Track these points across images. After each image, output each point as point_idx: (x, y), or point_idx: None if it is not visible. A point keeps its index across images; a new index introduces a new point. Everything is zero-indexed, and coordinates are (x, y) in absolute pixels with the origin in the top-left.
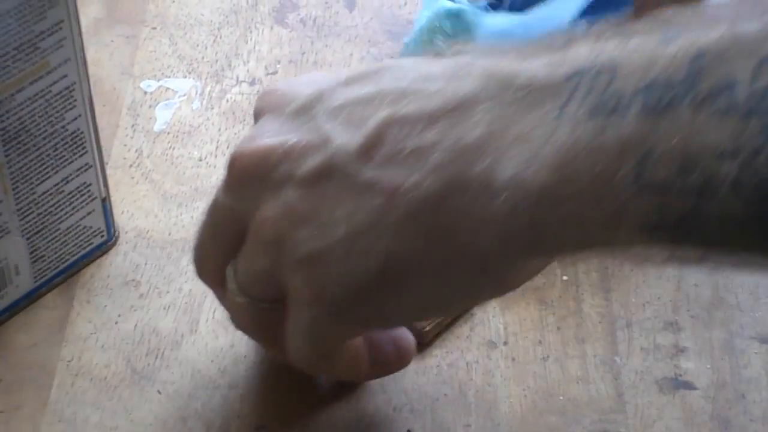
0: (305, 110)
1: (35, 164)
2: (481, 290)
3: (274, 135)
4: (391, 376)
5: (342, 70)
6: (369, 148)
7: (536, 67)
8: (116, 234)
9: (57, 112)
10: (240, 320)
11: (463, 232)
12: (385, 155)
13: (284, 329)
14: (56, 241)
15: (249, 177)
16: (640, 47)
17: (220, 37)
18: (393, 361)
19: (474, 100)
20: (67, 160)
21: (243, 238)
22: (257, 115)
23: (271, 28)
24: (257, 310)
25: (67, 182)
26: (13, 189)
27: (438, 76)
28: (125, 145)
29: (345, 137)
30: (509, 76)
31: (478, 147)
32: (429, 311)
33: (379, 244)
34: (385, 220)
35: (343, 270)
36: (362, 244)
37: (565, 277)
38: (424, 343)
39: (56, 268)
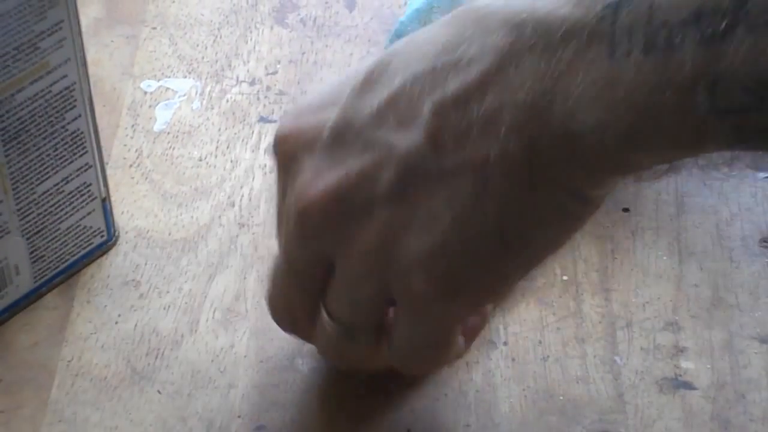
0: (342, 134)
1: (35, 164)
2: (578, 225)
3: (328, 172)
4: (391, 376)
5: (336, 80)
6: (436, 139)
7: (563, 7)
8: (116, 234)
9: (57, 112)
10: (339, 352)
11: (558, 179)
12: (456, 138)
13: (395, 340)
14: (56, 241)
15: (328, 222)
16: None
17: (220, 37)
18: (462, 351)
19: (514, 55)
20: (67, 160)
21: (327, 279)
22: (286, 166)
23: (271, 28)
24: (357, 338)
25: (67, 182)
26: (13, 189)
27: (457, 41)
28: (125, 145)
29: (407, 139)
30: (540, 22)
31: (545, 100)
32: (541, 259)
33: (489, 214)
34: (485, 192)
35: (464, 251)
36: (473, 222)
37: (565, 277)
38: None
39: (56, 268)
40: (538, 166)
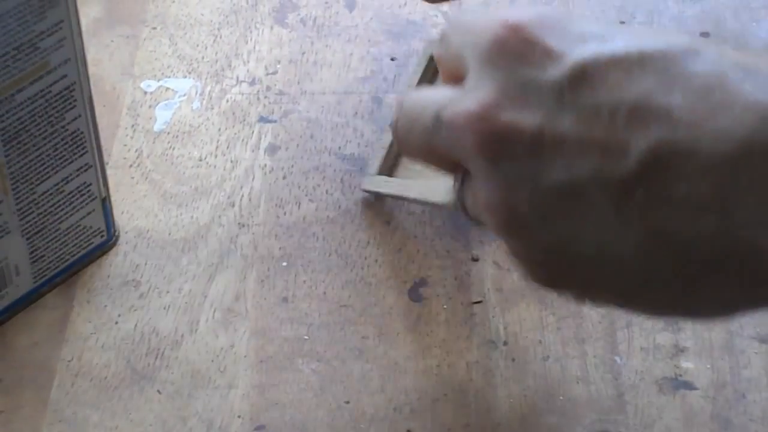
0: (570, 91)
1: (35, 164)
2: None
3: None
4: (391, 376)
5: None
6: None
7: None
8: (116, 234)
9: (57, 112)
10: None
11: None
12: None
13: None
14: (56, 241)
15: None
16: None
17: (220, 37)
18: None
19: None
20: (67, 160)
21: None
22: (456, 44)
23: (271, 28)
24: None
25: (67, 182)
26: (13, 189)
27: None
28: (125, 145)
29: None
30: None
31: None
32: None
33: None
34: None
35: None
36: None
37: None
38: None
39: (56, 268)
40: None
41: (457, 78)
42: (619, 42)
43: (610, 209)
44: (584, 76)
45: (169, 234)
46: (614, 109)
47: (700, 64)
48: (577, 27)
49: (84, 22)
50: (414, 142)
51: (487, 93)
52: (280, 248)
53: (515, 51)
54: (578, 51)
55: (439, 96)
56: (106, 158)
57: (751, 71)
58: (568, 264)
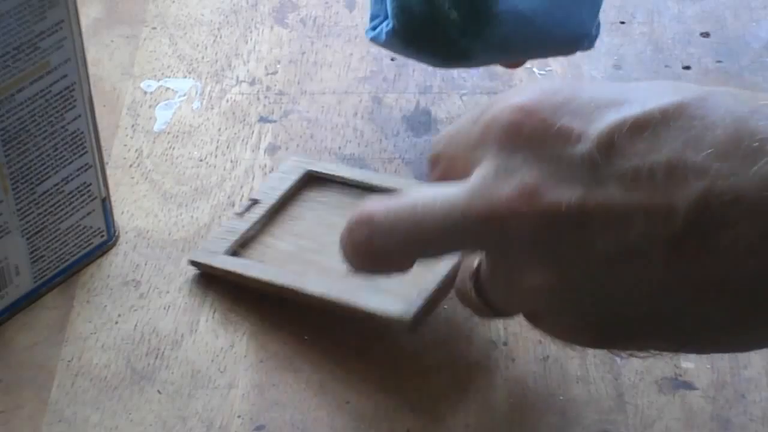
0: (599, 161)
1: (35, 164)
2: None
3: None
4: (391, 376)
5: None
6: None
7: None
8: (116, 234)
9: (57, 112)
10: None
11: None
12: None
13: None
14: (56, 241)
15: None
16: None
17: (220, 37)
18: None
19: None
20: (67, 160)
21: None
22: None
23: (271, 28)
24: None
25: (67, 182)
26: (13, 189)
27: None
28: (125, 145)
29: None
30: None
31: None
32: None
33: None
34: None
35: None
36: None
37: None
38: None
39: (56, 268)
40: None
41: (455, 176)
42: (636, 105)
43: (659, 266)
44: (612, 145)
45: (169, 234)
46: (651, 171)
47: (719, 112)
48: (585, 97)
49: (84, 22)
50: (435, 237)
51: (521, 176)
52: None
53: (534, 133)
54: (599, 124)
55: (452, 193)
56: (106, 158)
57: (766, 112)
58: (620, 324)
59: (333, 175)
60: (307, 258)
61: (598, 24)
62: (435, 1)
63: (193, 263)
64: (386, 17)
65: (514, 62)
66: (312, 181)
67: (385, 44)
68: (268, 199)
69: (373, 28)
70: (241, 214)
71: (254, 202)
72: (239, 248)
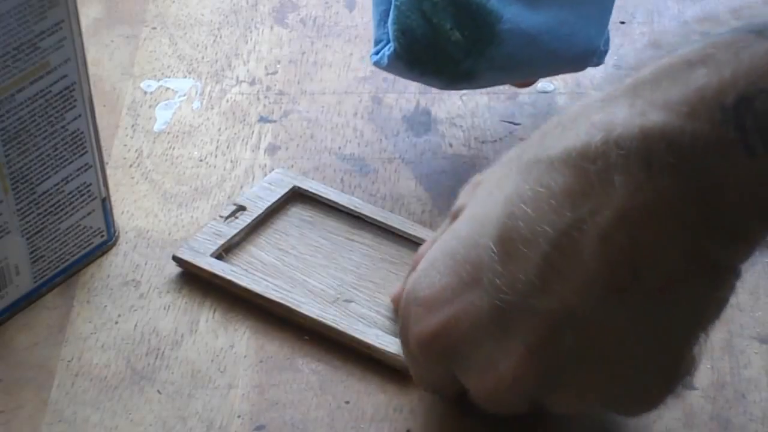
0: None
1: (35, 164)
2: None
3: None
4: (391, 376)
5: (438, 256)
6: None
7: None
8: (116, 234)
9: (57, 112)
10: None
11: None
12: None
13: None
14: (56, 241)
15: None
16: None
17: (220, 37)
18: None
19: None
20: (67, 160)
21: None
22: (447, 356)
23: (271, 28)
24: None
25: (67, 182)
26: (13, 189)
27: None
28: (125, 145)
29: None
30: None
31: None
32: None
33: None
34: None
35: None
36: None
37: None
38: None
39: (56, 268)
40: None
41: None
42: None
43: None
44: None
45: (169, 234)
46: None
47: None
48: (430, 274)
49: (84, 22)
50: None
51: (510, 362)
52: None
53: (450, 344)
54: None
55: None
56: (106, 158)
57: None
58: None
59: (320, 196)
60: (292, 275)
61: (607, 39)
62: (436, 22)
63: (177, 260)
64: (389, 41)
65: (523, 81)
66: (297, 197)
67: (389, 68)
68: (255, 209)
69: (377, 53)
70: (226, 218)
71: (240, 208)
72: (224, 252)
